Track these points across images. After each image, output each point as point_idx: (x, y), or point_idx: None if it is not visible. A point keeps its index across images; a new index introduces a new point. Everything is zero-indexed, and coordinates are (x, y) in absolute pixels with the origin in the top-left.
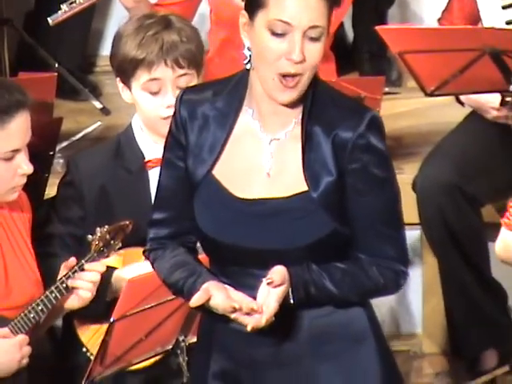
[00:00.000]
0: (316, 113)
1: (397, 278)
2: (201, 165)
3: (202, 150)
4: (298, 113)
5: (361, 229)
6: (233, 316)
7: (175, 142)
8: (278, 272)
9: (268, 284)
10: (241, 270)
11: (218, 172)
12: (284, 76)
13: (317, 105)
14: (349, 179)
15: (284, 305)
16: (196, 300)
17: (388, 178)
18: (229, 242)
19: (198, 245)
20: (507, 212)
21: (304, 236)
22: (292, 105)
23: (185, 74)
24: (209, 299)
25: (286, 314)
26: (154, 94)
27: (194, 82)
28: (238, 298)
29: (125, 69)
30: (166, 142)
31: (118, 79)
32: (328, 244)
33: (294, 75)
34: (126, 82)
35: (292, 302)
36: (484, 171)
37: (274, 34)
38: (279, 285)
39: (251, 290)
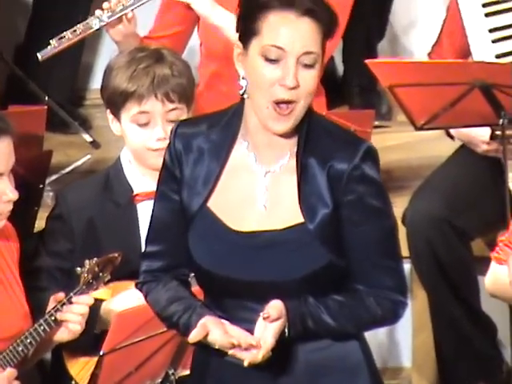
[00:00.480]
0: (311, 145)
1: (395, 308)
2: (196, 197)
3: (197, 183)
4: (292, 145)
5: (358, 259)
6: (230, 352)
7: (170, 174)
8: (275, 307)
9: (264, 319)
10: (236, 303)
11: (213, 204)
12: (278, 103)
13: (311, 136)
14: (345, 211)
15: (281, 339)
16: (194, 336)
17: (384, 209)
18: (223, 274)
19: (191, 278)
20: (497, 246)
21: (300, 268)
22: (287, 136)
23: (175, 109)
24: (206, 335)
25: (283, 347)
26: (143, 126)
27: (184, 116)
28: (236, 333)
29: (115, 101)
30: (160, 174)
31: (108, 111)
32: (324, 276)
33: (288, 102)
34: (116, 114)
35: (289, 335)
36: (474, 205)
37: (268, 59)
38: (276, 319)
39: (247, 323)
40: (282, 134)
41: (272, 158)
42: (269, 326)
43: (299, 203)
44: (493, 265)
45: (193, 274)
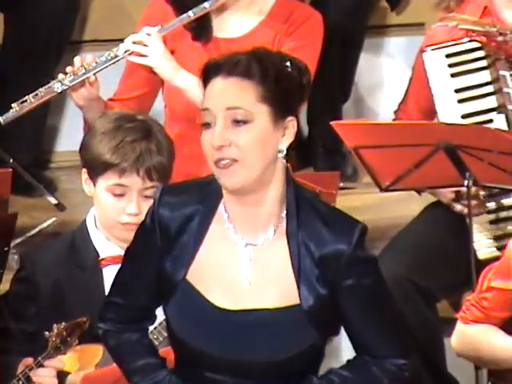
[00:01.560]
0: (300, 226)
1: (400, 373)
2: (179, 268)
3: (176, 256)
4: (275, 220)
5: (359, 334)
6: None
7: (148, 237)
8: None
9: None
10: (211, 377)
11: (192, 277)
12: (216, 163)
13: (300, 217)
14: (345, 292)
15: None
16: None
17: (381, 282)
18: (204, 349)
19: (152, 332)
20: (464, 306)
21: (286, 349)
22: (265, 209)
23: (153, 186)
24: None
25: None
26: (118, 196)
27: (156, 192)
28: None
29: (95, 166)
30: (137, 233)
31: (84, 170)
32: (305, 356)
33: (220, 159)
34: (92, 177)
35: None
36: (439, 265)
37: (203, 124)
38: None
39: None
40: (233, 190)
41: (251, 229)
42: None
43: (297, 285)
44: (459, 324)
45: (152, 328)
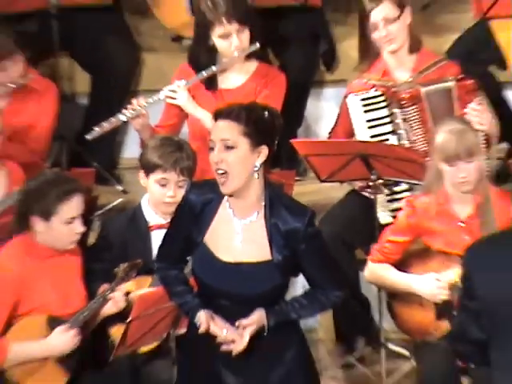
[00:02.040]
0: (273, 211)
1: (336, 300)
2: (198, 234)
3: (198, 226)
4: (257, 208)
5: (313, 277)
6: (219, 339)
7: (183, 215)
8: (251, 317)
9: (237, 326)
10: (217, 301)
11: (207, 240)
12: (216, 171)
13: (273, 205)
14: (301, 253)
15: (260, 332)
16: (204, 329)
17: (323, 244)
18: (212, 285)
19: (187, 270)
20: (371, 252)
21: (262, 286)
22: (249, 202)
23: (183, 180)
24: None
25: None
26: (162, 186)
27: (186, 184)
28: (220, 324)
29: (148, 167)
30: (176, 212)
31: (142, 171)
32: (275, 291)
33: (217, 169)
34: (146, 174)
35: (268, 330)
36: (356, 228)
37: (210, 148)
38: (249, 325)
39: (220, 314)
40: (226, 194)
41: (242, 213)
42: (246, 330)
43: (270, 249)
44: (369, 263)
45: (188, 270)
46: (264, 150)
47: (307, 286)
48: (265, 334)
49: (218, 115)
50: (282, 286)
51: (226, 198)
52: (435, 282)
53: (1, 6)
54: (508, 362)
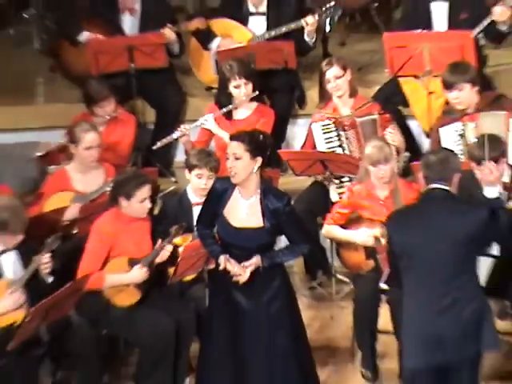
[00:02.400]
0: (265, 196)
1: (304, 250)
2: (220, 208)
3: (220, 204)
4: (255, 194)
5: (291, 238)
6: (232, 273)
7: (213, 197)
8: (250, 261)
9: (244, 266)
10: (231, 250)
11: (225, 212)
12: (229, 173)
13: (265, 192)
14: (283, 223)
15: (257, 270)
16: (223, 267)
17: (298, 218)
18: (228, 241)
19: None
20: (327, 218)
21: (259, 242)
22: (251, 190)
23: (212, 175)
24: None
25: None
26: (199, 178)
27: (214, 177)
28: (233, 263)
29: (190, 166)
30: (208, 195)
31: (187, 169)
32: (267, 244)
33: (230, 171)
34: (189, 171)
35: (262, 267)
36: (317, 204)
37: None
38: (250, 264)
39: (235, 258)
40: (235, 183)
41: (246, 196)
42: (249, 268)
43: (263, 219)
44: (325, 226)
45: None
46: (259, 160)
47: (287, 242)
48: (260, 270)
49: (231, 137)
50: (271, 242)
51: (236, 186)
52: (366, 234)
53: (101, 67)
54: (409, 285)
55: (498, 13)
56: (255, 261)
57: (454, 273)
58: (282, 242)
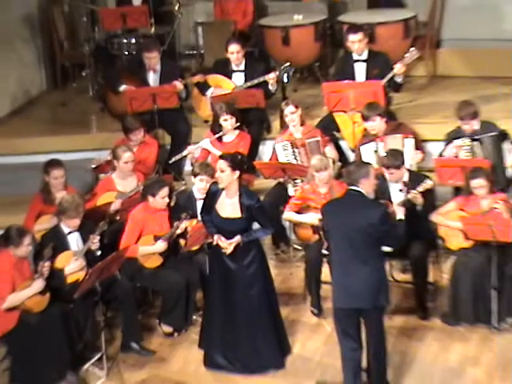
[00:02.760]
0: (242, 196)
1: (270, 230)
2: (213, 204)
3: (213, 201)
4: (236, 194)
5: (260, 223)
6: (222, 246)
7: (209, 196)
8: (234, 239)
9: (229, 243)
10: (221, 231)
11: (217, 206)
12: (217, 179)
13: (242, 194)
14: (254, 214)
15: (238, 245)
16: (216, 241)
17: (264, 210)
18: (220, 227)
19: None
20: (287, 206)
21: (240, 227)
22: (234, 193)
23: (209, 180)
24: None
25: (237, 247)
26: (201, 182)
27: (211, 181)
28: (223, 240)
29: (195, 174)
30: (206, 195)
31: (192, 176)
32: (245, 229)
33: (218, 179)
34: (194, 177)
35: (242, 243)
36: (279, 197)
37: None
38: (234, 241)
39: (225, 237)
40: (222, 188)
41: (230, 197)
42: (232, 243)
43: (241, 212)
44: (285, 212)
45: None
46: (237, 172)
47: (258, 226)
48: (241, 244)
49: (220, 157)
50: (247, 226)
51: (224, 190)
52: (313, 217)
53: (134, 108)
54: (333, 251)
55: (398, 68)
56: (236, 239)
57: (360, 246)
58: (256, 225)
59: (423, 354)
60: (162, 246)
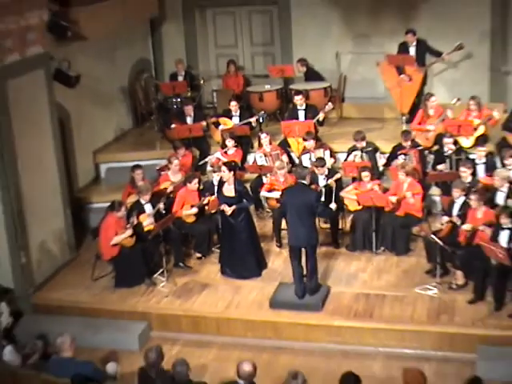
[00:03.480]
0: (235, 184)
1: (252, 202)
2: (221, 189)
3: (221, 187)
4: (232, 184)
5: (246, 199)
6: (225, 211)
7: (219, 184)
8: (232, 207)
9: (230, 209)
10: (225, 203)
11: (223, 190)
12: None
13: (235, 183)
14: (242, 195)
15: (234, 211)
16: (221, 208)
17: (247, 192)
18: (223, 201)
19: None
20: (262, 188)
21: (234, 201)
22: (231, 182)
23: (220, 174)
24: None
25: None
26: (217, 176)
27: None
28: (227, 207)
29: (213, 171)
30: (218, 183)
31: (212, 172)
32: (237, 202)
33: (222, 175)
34: (213, 173)
35: (236, 210)
36: (258, 183)
37: None
38: (232, 208)
39: (228, 205)
40: (225, 180)
41: (229, 185)
42: (230, 209)
43: (235, 193)
44: (261, 191)
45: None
46: (232, 172)
47: (245, 200)
48: (235, 210)
49: (223, 164)
50: (239, 200)
51: (226, 181)
52: (277, 194)
53: (179, 136)
54: (287, 216)
55: (321, 114)
56: (233, 207)
57: (302, 213)
58: (244, 201)
59: (336, 267)
60: (195, 210)
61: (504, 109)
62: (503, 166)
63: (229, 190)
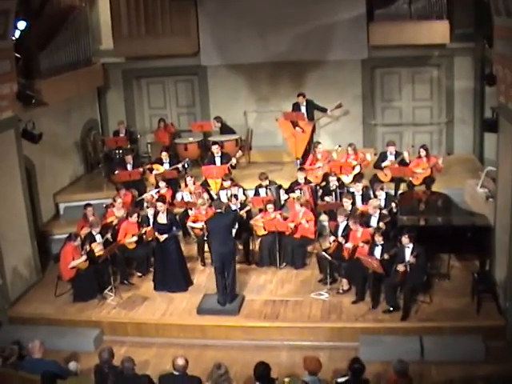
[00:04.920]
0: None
1: (180, 230)
2: (156, 219)
3: (156, 218)
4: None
5: (176, 227)
6: (160, 238)
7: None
8: (164, 235)
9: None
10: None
11: (157, 220)
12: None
13: (169, 214)
14: (173, 225)
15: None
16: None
17: (178, 222)
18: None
19: None
20: (188, 219)
21: (167, 228)
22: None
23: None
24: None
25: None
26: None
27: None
28: (159, 235)
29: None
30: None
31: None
32: (169, 229)
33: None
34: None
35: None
36: (186, 216)
37: None
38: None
39: (161, 232)
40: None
41: (163, 212)
42: (164, 236)
43: (167, 220)
44: (188, 222)
45: None
46: (164, 204)
47: (175, 228)
48: (167, 238)
49: (157, 199)
50: (170, 227)
51: None
52: (201, 224)
53: (121, 180)
54: (210, 239)
55: (233, 160)
56: (165, 236)
57: (223, 234)
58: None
59: (248, 279)
60: (135, 238)
61: (374, 152)
62: (375, 196)
63: (162, 219)
